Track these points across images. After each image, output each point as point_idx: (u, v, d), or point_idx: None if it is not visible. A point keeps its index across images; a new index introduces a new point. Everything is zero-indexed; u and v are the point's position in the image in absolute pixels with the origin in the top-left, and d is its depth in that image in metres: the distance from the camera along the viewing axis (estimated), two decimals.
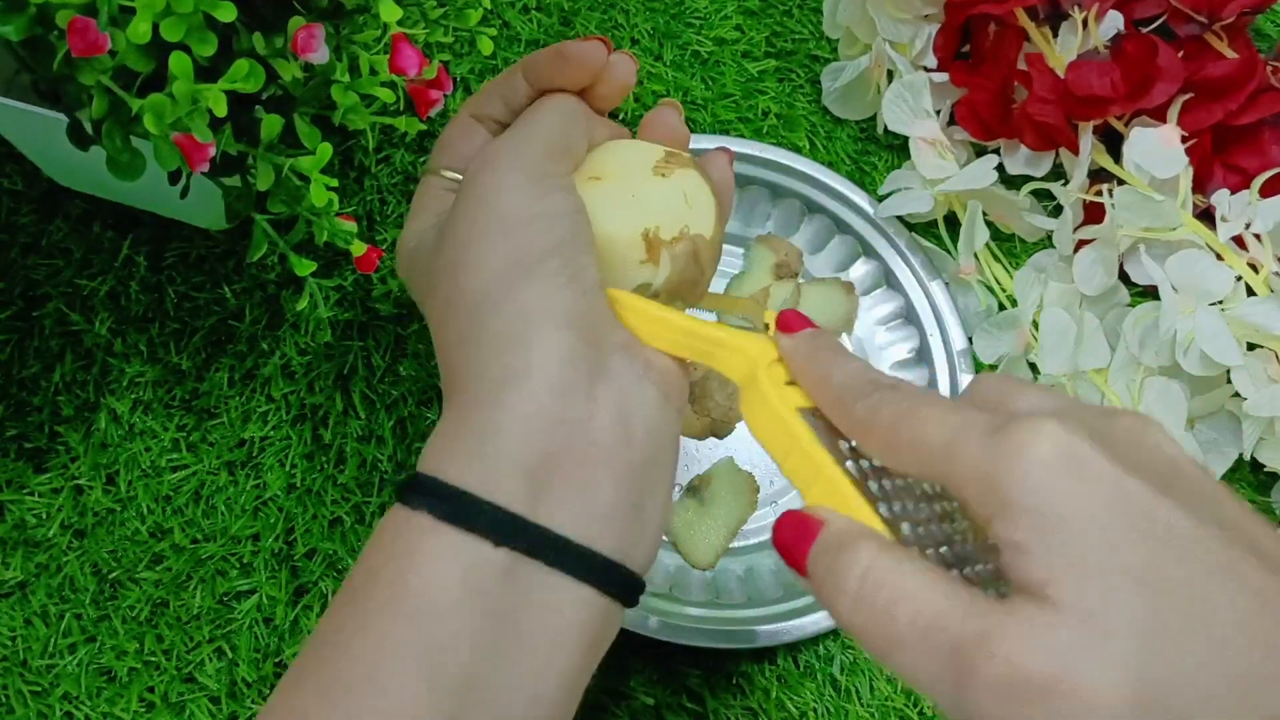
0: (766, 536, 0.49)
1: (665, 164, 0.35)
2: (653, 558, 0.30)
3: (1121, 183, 0.52)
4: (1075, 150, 0.53)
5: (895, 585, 0.23)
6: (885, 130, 0.57)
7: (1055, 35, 0.55)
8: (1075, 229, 0.54)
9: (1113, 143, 0.54)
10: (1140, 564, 0.21)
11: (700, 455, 0.50)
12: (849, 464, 0.27)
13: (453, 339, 0.30)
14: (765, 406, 0.28)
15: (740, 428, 0.51)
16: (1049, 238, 0.56)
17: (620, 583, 0.28)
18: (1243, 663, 0.20)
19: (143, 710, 0.44)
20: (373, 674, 0.26)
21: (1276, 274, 0.49)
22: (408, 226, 0.36)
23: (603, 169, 0.35)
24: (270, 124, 0.36)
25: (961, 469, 0.23)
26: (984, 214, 0.54)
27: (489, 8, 0.44)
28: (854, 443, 0.27)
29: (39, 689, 0.44)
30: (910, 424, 0.25)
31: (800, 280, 0.53)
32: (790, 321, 0.30)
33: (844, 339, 0.53)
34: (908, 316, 0.53)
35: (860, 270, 0.54)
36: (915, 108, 0.55)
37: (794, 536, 0.26)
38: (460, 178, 0.36)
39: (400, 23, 0.36)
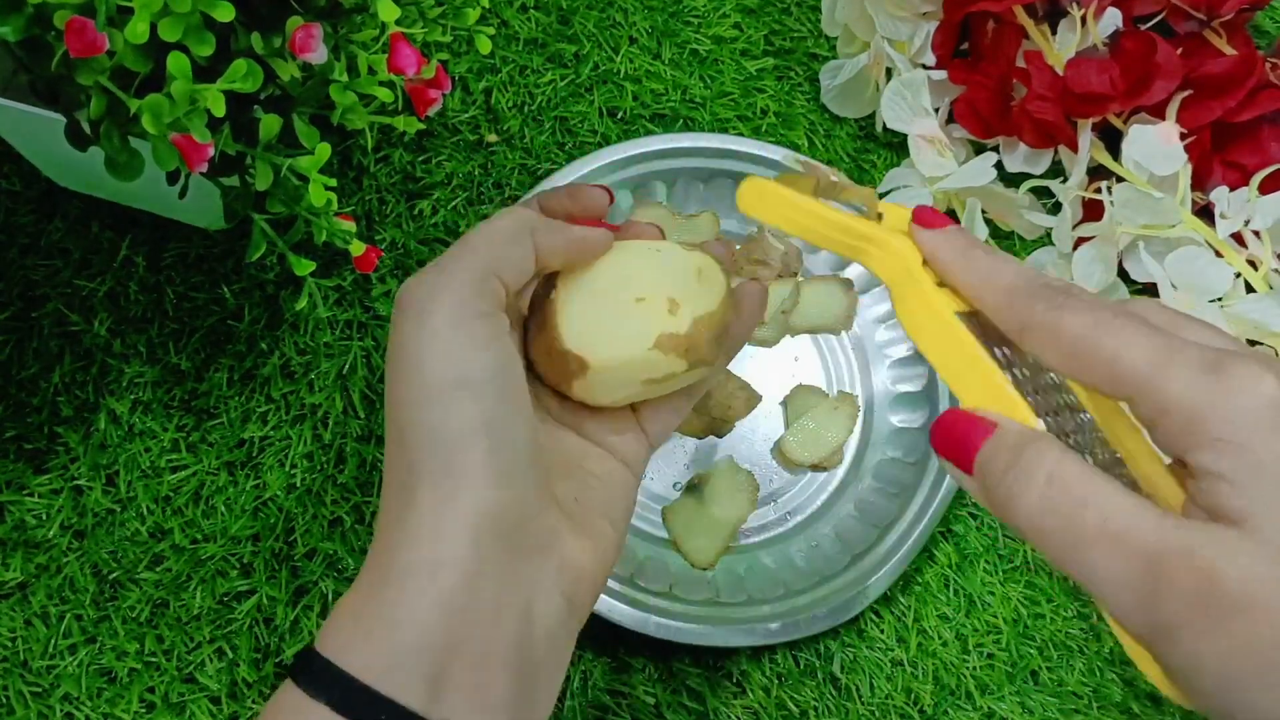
0: (766, 535, 0.49)
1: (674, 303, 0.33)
2: None
3: (1121, 180, 0.52)
4: (1074, 148, 0.53)
5: (1086, 488, 0.24)
6: (884, 128, 0.57)
7: (1054, 32, 0.55)
8: (1074, 226, 0.54)
9: (1112, 140, 0.54)
10: None
11: (700, 455, 0.50)
12: (1009, 371, 0.27)
13: (385, 504, 0.29)
14: (928, 309, 0.28)
15: (740, 427, 0.51)
16: (1048, 235, 0.56)
17: None
18: None
19: (143, 711, 0.44)
20: None
21: (1276, 271, 0.49)
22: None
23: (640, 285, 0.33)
24: (269, 124, 0.36)
25: (1166, 396, 0.24)
26: (983, 211, 0.54)
27: (487, 7, 0.44)
28: (1006, 349, 0.28)
29: (39, 690, 0.44)
30: (1109, 337, 0.25)
31: (799, 278, 0.53)
32: (929, 217, 0.30)
33: (842, 337, 0.53)
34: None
35: (859, 269, 0.54)
36: (914, 105, 0.55)
37: (963, 435, 0.26)
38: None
39: (398, 22, 0.36)
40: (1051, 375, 0.29)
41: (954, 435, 0.27)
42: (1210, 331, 0.27)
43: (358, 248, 0.40)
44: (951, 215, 0.55)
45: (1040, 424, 0.26)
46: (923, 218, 0.30)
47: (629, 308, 0.32)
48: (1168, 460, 0.28)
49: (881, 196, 0.54)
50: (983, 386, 0.27)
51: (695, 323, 0.32)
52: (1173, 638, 0.22)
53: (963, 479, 0.27)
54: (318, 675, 0.27)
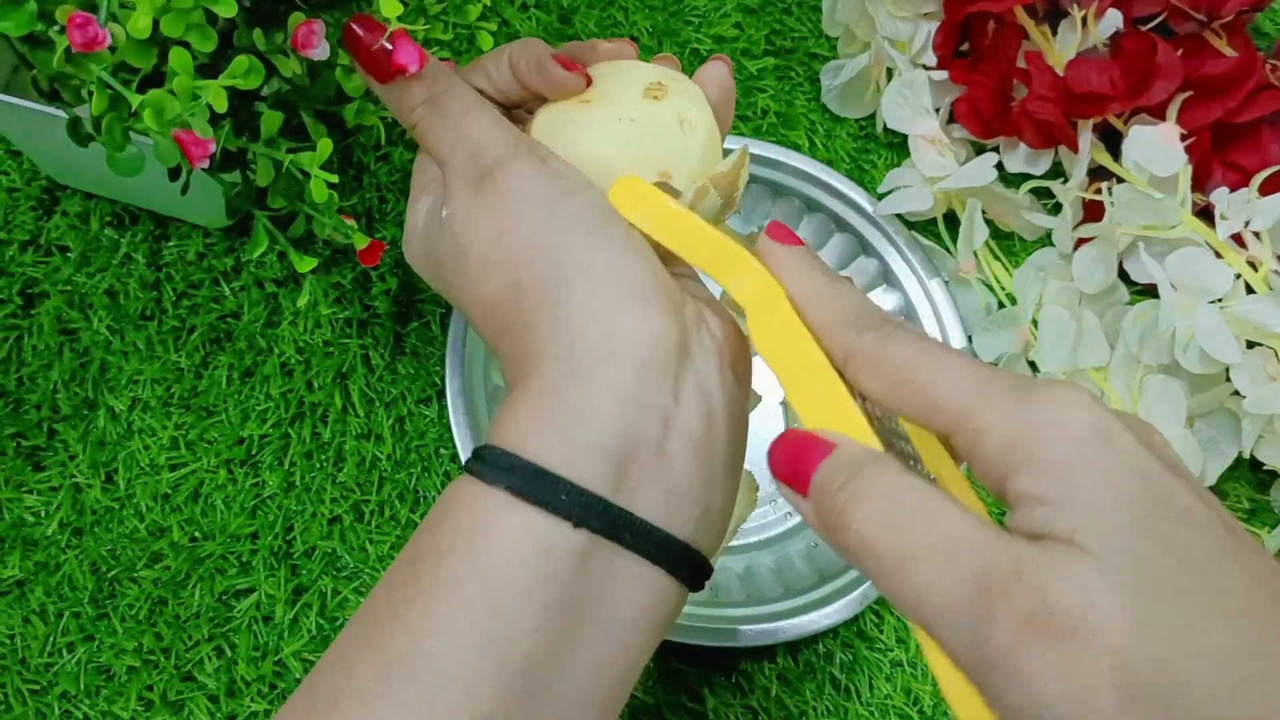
0: (766, 535, 0.49)
1: (658, 87, 0.33)
2: (720, 542, 0.29)
3: (1121, 181, 0.52)
4: (1074, 148, 0.53)
5: (922, 506, 0.23)
6: (884, 128, 0.57)
7: (1054, 33, 0.55)
8: (1074, 227, 0.54)
9: (1112, 141, 0.54)
10: (1164, 535, 0.21)
11: None
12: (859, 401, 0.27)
13: (518, 320, 0.29)
14: (784, 325, 0.28)
15: None
16: (1048, 236, 0.56)
17: (692, 567, 0.28)
18: (1254, 637, 0.20)
19: (141, 709, 0.44)
20: (438, 660, 0.25)
21: (1276, 272, 0.49)
22: (412, 209, 0.35)
23: (591, 91, 0.33)
24: (270, 120, 0.36)
25: (982, 421, 0.23)
26: (983, 212, 0.54)
27: (488, 4, 0.44)
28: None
29: (37, 687, 0.44)
30: (927, 367, 0.25)
31: None
32: (781, 233, 0.29)
33: None
34: (907, 315, 0.53)
35: (859, 268, 0.54)
36: (914, 105, 0.55)
37: (800, 454, 0.26)
38: None
39: (400, 18, 0.36)
40: (892, 422, 0.29)
41: (791, 455, 0.26)
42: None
43: (361, 240, 0.40)
44: (951, 216, 0.55)
45: (881, 447, 0.25)
46: (775, 233, 0.29)
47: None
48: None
49: (881, 197, 0.54)
50: (827, 404, 0.26)
51: (697, 193, 0.32)
52: (1003, 664, 0.21)
53: (798, 503, 0.26)
54: (494, 462, 0.26)
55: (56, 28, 0.32)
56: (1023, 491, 0.23)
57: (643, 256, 0.29)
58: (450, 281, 0.32)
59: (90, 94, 0.33)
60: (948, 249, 0.55)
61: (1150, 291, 0.53)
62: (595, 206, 0.29)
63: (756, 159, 0.54)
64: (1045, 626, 0.21)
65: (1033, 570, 0.21)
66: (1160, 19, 0.56)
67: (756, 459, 0.50)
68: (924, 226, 0.56)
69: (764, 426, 0.51)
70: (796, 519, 0.50)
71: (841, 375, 0.27)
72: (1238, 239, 0.51)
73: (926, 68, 0.56)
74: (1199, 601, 0.21)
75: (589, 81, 0.34)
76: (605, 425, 0.26)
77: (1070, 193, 0.53)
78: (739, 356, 0.30)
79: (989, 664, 0.21)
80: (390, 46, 0.33)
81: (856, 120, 0.59)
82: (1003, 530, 0.23)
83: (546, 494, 0.25)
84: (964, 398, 0.24)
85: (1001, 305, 0.54)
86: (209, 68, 0.33)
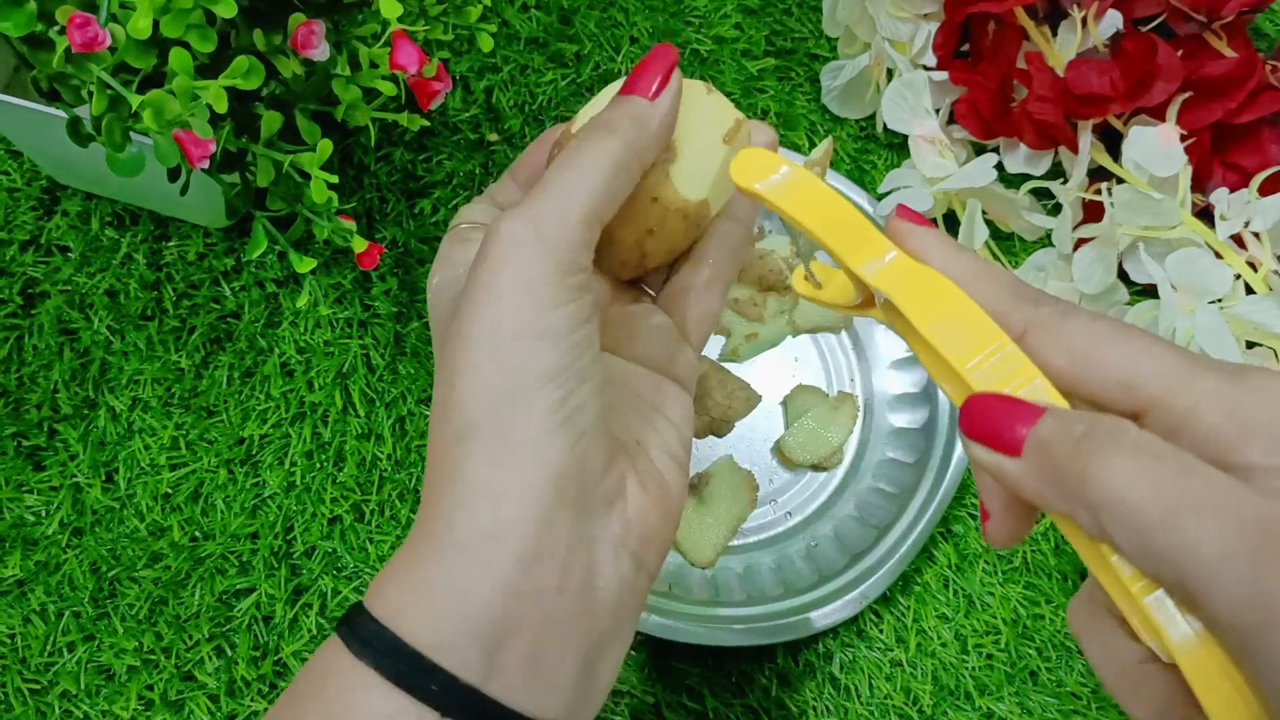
0: (766, 535, 0.49)
1: (734, 130, 0.31)
2: (594, 713, 0.29)
3: (1121, 181, 0.52)
4: (1074, 149, 0.53)
5: (1180, 456, 0.23)
6: (885, 129, 0.57)
7: (1054, 34, 0.55)
8: (1075, 227, 0.54)
9: (1112, 141, 0.54)
10: None
11: (700, 454, 0.50)
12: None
13: (438, 455, 0.27)
14: (952, 298, 0.26)
15: (739, 427, 0.51)
16: (1048, 236, 0.56)
17: None
18: None
19: (141, 708, 0.44)
20: None
21: (1275, 272, 0.49)
22: (433, 273, 0.32)
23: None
24: (270, 120, 0.36)
25: (1194, 399, 0.23)
26: (983, 212, 0.54)
27: (488, 5, 0.44)
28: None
29: (38, 687, 0.44)
30: (1123, 342, 0.24)
31: None
32: (914, 215, 0.28)
33: (842, 337, 0.53)
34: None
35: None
36: (915, 106, 0.55)
37: (1009, 411, 0.25)
38: (493, 205, 0.33)
39: (400, 19, 0.36)
40: None
41: (996, 414, 0.25)
42: None
43: (360, 244, 0.40)
44: (951, 216, 0.55)
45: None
46: (907, 215, 0.28)
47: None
48: None
49: (881, 198, 0.54)
50: (1016, 372, 0.25)
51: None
52: None
53: (1003, 464, 0.25)
54: (369, 638, 0.26)
55: (57, 28, 0.32)
56: (1253, 462, 0.23)
57: (564, 432, 0.27)
58: (434, 344, 0.31)
59: (90, 94, 0.33)
60: None
61: (1150, 292, 0.53)
62: (544, 366, 0.27)
63: None
64: None
65: None
66: (1160, 20, 0.56)
67: (756, 459, 0.50)
68: (965, 246, 0.56)
69: (764, 426, 0.51)
70: (796, 519, 0.50)
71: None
72: (1237, 239, 0.51)
73: (927, 68, 0.56)
74: None
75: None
76: (480, 610, 0.25)
77: (1070, 193, 0.53)
78: (645, 544, 0.29)
79: (1269, 615, 0.21)
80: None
81: (857, 121, 0.59)
82: (1259, 486, 0.22)
83: (418, 681, 0.25)
84: (1170, 374, 0.24)
85: None
86: (209, 68, 0.34)
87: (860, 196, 0.53)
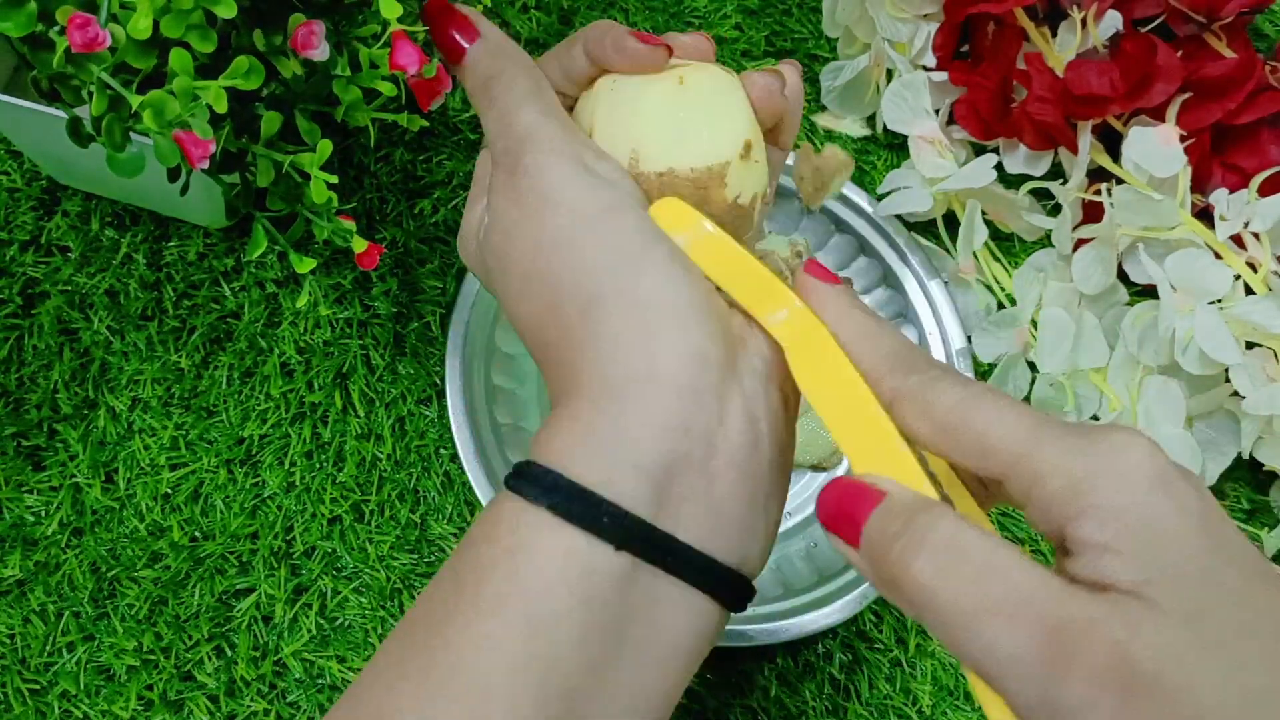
0: None
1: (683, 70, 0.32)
2: (765, 561, 0.29)
3: (1120, 182, 0.52)
4: (1074, 149, 0.53)
5: (984, 554, 0.22)
6: (884, 129, 0.57)
7: (1054, 34, 0.55)
8: (1074, 228, 0.54)
9: (1111, 142, 0.54)
10: (1231, 587, 0.21)
11: None
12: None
13: (561, 339, 0.28)
14: (831, 364, 0.27)
15: None
16: (1048, 237, 0.56)
17: (735, 590, 0.27)
18: None
19: (141, 709, 0.44)
20: (480, 676, 0.24)
21: (1275, 273, 0.49)
22: (470, 210, 0.33)
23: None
24: (270, 120, 0.36)
25: (1040, 465, 0.23)
26: (983, 213, 0.54)
27: (488, 5, 0.44)
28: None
29: (37, 687, 0.44)
30: (980, 411, 0.24)
31: None
32: (821, 271, 0.29)
33: None
34: (906, 315, 0.53)
35: (859, 269, 0.54)
36: (914, 107, 0.55)
37: (849, 502, 0.25)
38: None
39: (400, 20, 0.36)
40: (925, 465, 0.28)
41: (840, 504, 0.25)
42: None
43: (359, 244, 0.40)
44: (951, 217, 0.55)
45: (935, 493, 0.25)
46: (815, 271, 0.29)
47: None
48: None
49: (881, 198, 0.54)
50: (877, 446, 0.26)
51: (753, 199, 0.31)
52: (1075, 719, 0.21)
53: (850, 555, 0.25)
54: (537, 480, 0.26)
55: (57, 28, 0.32)
56: (1086, 538, 0.22)
57: (689, 277, 0.28)
58: (498, 291, 0.31)
59: (90, 94, 0.33)
60: (947, 250, 0.55)
61: (1150, 292, 0.53)
62: (638, 226, 0.28)
63: None
64: (1123, 685, 0.20)
65: (1107, 625, 0.21)
66: (1160, 21, 0.56)
67: None
68: (924, 227, 0.56)
69: None
70: (796, 519, 0.50)
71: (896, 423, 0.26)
72: (1237, 240, 0.51)
73: (926, 69, 0.57)
74: (1275, 652, 0.20)
75: (670, 52, 0.33)
76: (648, 447, 0.26)
77: (1070, 194, 0.53)
78: (787, 376, 0.29)
79: (1059, 718, 0.21)
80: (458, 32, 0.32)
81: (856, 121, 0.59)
82: (1068, 582, 0.22)
83: (589, 516, 0.25)
84: (1020, 441, 0.23)
85: (1001, 306, 0.54)
86: (209, 68, 0.34)
87: (860, 197, 0.54)
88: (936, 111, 0.56)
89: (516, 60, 0.32)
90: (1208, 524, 0.22)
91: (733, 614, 0.29)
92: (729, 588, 0.27)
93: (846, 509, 0.25)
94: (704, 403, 0.26)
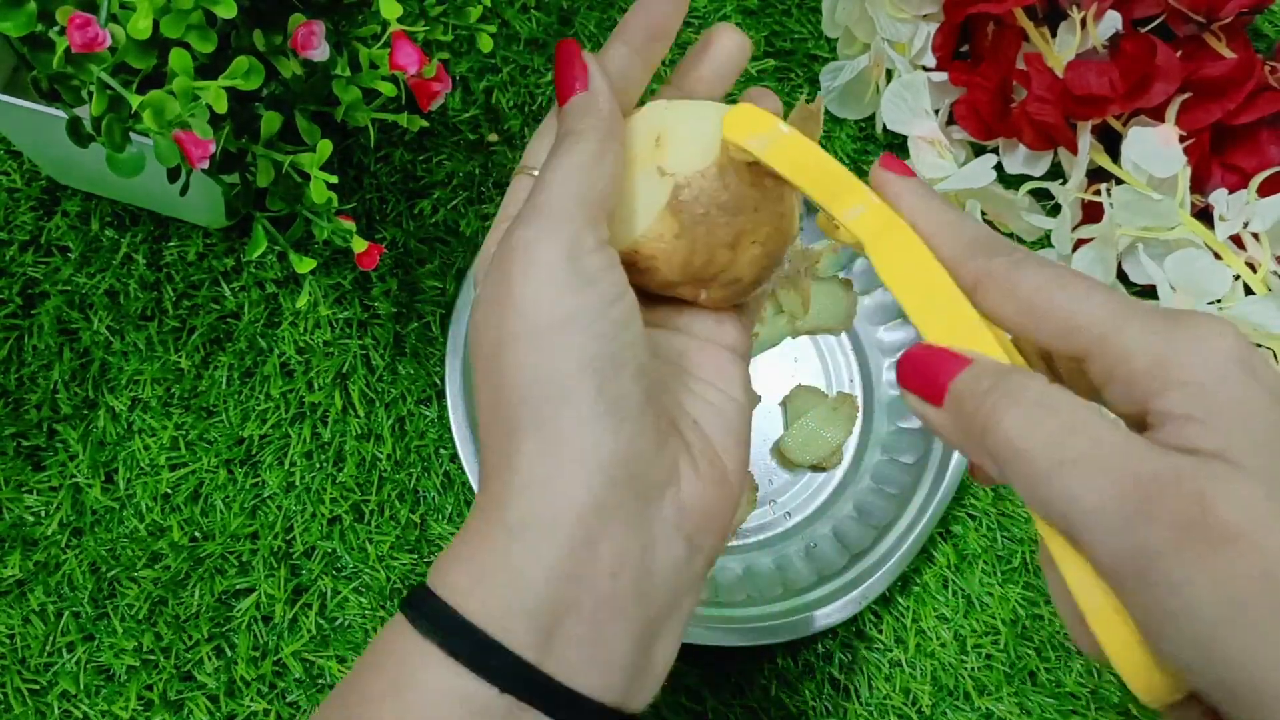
0: (765, 535, 0.49)
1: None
2: (655, 693, 0.29)
3: (1120, 182, 0.52)
4: (1074, 149, 0.53)
5: (1075, 413, 0.24)
6: (884, 129, 0.57)
7: (1054, 35, 0.55)
8: (1074, 228, 0.54)
9: (1111, 142, 0.54)
10: None
11: None
12: None
13: (491, 445, 0.28)
14: (910, 250, 0.28)
15: None
16: (1048, 237, 0.56)
17: None
18: None
19: (141, 709, 0.44)
20: None
21: (1274, 273, 0.49)
22: (493, 232, 0.33)
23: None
24: (270, 120, 0.36)
25: (1127, 342, 0.24)
26: (983, 213, 0.54)
27: (488, 5, 0.44)
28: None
29: (37, 687, 0.44)
30: (1066, 291, 0.25)
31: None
32: (896, 164, 0.29)
33: (842, 338, 0.53)
34: (906, 315, 0.53)
35: (859, 269, 0.54)
36: (914, 107, 0.55)
37: (935, 364, 0.26)
38: None
39: (400, 20, 0.36)
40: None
41: (925, 365, 0.27)
42: None
43: (359, 244, 0.40)
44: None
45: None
46: (889, 164, 0.29)
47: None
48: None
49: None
50: (959, 325, 0.27)
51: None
52: (1156, 567, 0.22)
53: (928, 413, 0.27)
54: (433, 616, 0.26)
55: (57, 28, 0.32)
56: (1170, 410, 0.23)
57: (609, 418, 0.27)
58: (471, 350, 0.31)
59: (90, 95, 0.33)
60: None
61: (1149, 292, 0.53)
62: (580, 354, 0.27)
63: None
64: (1204, 533, 0.21)
65: (1191, 478, 0.22)
66: (1159, 21, 0.56)
67: (755, 459, 0.50)
68: (940, 195, 0.56)
69: (764, 426, 0.51)
70: (795, 520, 0.50)
71: (970, 300, 0.27)
72: (1236, 240, 0.51)
73: (926, 69, 0.57)
74: None
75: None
76: (537, 592, 0.26)
77: (1069, 194, 0.53)
78: (701, 527, 0.29)
79: (1141, 567, 0.22)
80: (579, 84, 0.31)
81: (856, 121, 0.59)
82: (1154, 442, 0.23)
83: (478, 658, 0.26)
84: (1106, 320, 0.24)
85: None
86: (209, 69, 0.34)
87: None
88: (936, 112, 0.56)
89: (598, 126, 0.30)
90: None
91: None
92: None
93: (931, 370, 0.26)
94: (597, 553, 0.27)
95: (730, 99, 0.34)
